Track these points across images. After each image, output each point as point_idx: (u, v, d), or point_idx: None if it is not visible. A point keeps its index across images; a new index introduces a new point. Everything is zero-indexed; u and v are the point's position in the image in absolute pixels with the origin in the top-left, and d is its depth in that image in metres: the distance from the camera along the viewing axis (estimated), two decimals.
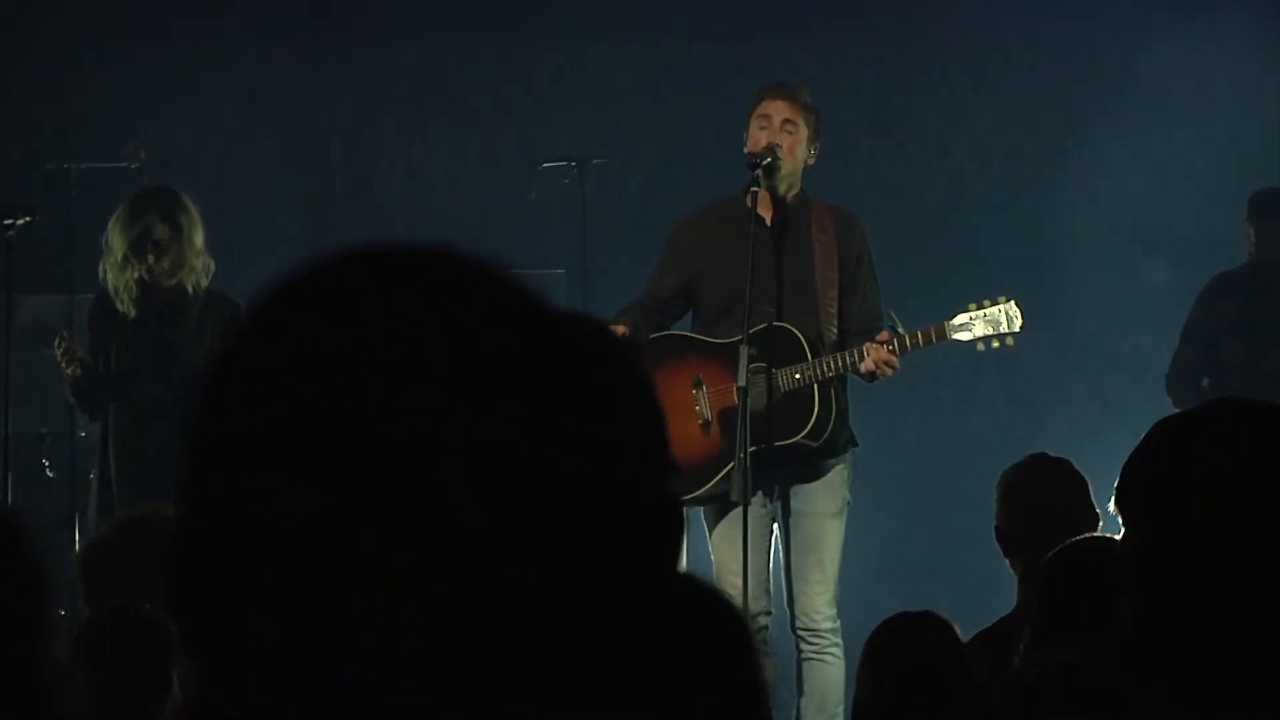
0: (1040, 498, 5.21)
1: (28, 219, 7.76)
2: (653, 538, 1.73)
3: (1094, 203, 9.95)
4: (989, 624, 5.08)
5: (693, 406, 7.00)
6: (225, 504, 1.32)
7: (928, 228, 10.08)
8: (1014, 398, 10.05)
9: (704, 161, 9.37)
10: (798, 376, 6.83)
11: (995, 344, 6.94)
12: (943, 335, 6.90)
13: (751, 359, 6.73)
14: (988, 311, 6.90)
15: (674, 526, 1.80)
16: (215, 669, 1.34)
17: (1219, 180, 9.86)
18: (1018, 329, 6.92)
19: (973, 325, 6.90)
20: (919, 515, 9.57)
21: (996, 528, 5.31)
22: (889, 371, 6.80)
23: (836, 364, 6.82)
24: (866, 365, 6.78)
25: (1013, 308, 6.93)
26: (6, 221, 7.72)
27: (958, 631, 4.39)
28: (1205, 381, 8.46)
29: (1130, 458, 2.59)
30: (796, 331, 6.88)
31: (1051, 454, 5.40)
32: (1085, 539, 3.96)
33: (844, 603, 6.99)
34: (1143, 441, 2.56)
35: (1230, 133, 9.96)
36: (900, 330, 6.83)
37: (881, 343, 6.77)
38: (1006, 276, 9.73)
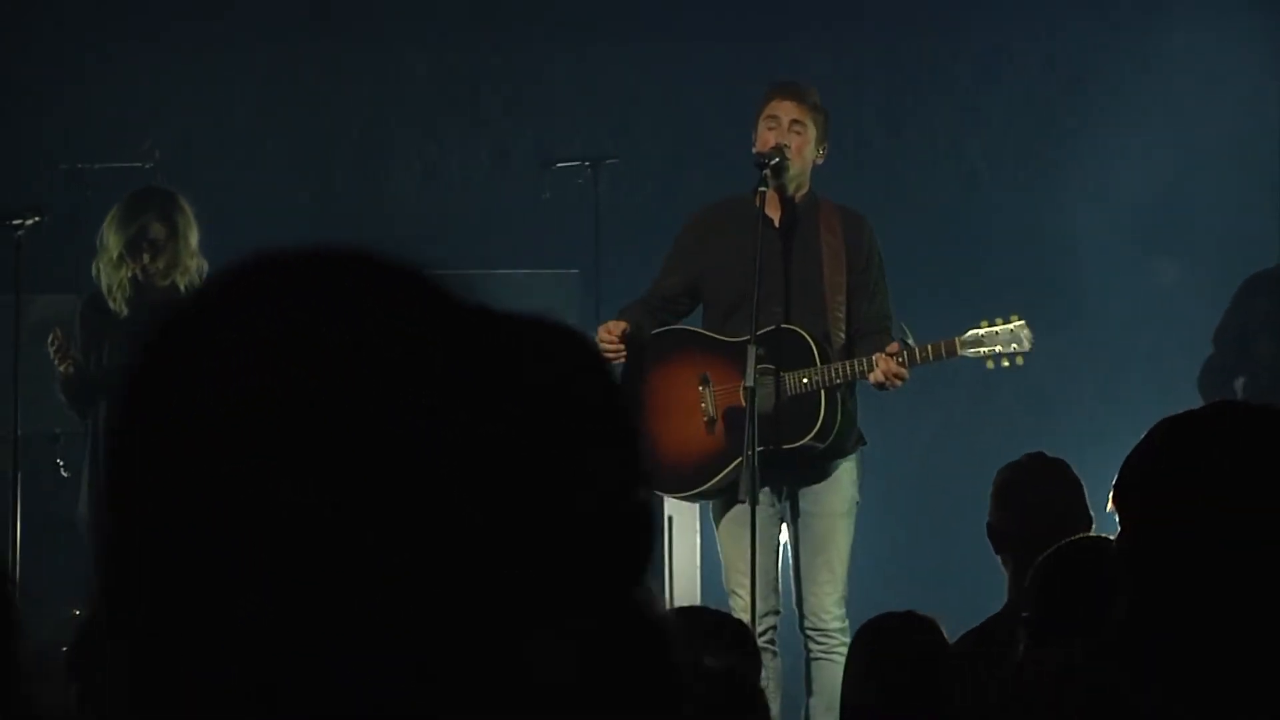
0: (1035, 497, 5.22)
1: (36, 219, 7.78)
2: (624, 541, 1.73)
3: (1105, 202, 9.93)
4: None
5: (698, 403, 6.99)
6: (209, 499, 1.32)
7: (939, 227, 10.07)
8: (1026, 399, 10.03)
9: (717, 162, 9.36)
10: (805, 381, 6.83)
11: (1005, 363, 6.94)
12: (953, 351, 6.89)
13: (759, 359, 6.73)
14: (999, 329, 6.91)
15: (645, 529, 1.80)
16: (198, 667, 1.33)
17: (1230, 179, 9.85)
18: (1028, 349, 6.92)
19: (983, 342, 6.90)
20: (931, 517, 9.56)
21: (989, 524, 5.33)
22: (898, 383, 6.81)
23: (845, 371, 6.82)
24: (875, 376, 6.78)
25: (1024, 328, 6.93)
26: (15, 222, 7.74)
27: (943, 630, 4.40)
28: (1239, 382, 8.42)
29: (1130, 456, 2.59)
30: (805, 334, 6.87)
31: (1049, 454, 5.41)
32: (1082, 538, 3.96)
33: (854, 605, 6.97)
34: (1143, 441, 2.56)
35: (1241, 131, 9.94)
36: (911, 342, 6.83)
37: (891, 354, 6.76)
38: (1018, 276, 9.73)
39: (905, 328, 6.89)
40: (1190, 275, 9.66)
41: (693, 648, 3.72)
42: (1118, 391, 9.97)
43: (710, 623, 4.29)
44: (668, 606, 5.51)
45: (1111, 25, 10.07)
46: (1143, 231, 9.85)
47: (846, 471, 6.98)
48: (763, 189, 6.91)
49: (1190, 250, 9.83)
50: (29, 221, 7.75)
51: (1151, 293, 9.84)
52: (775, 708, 7.08)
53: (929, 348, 6.84)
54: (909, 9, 10.14)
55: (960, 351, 6.88)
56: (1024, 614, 3.96)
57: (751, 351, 6.71)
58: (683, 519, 8.35)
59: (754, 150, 7.01)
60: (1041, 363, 9.17)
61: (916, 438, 9.92)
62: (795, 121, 6.99)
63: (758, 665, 4.50)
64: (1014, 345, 6.89)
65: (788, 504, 6.97)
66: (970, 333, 6.90)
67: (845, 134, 8.87)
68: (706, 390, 7.00)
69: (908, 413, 9.42)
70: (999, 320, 6.94)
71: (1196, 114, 9.99)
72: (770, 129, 6.99)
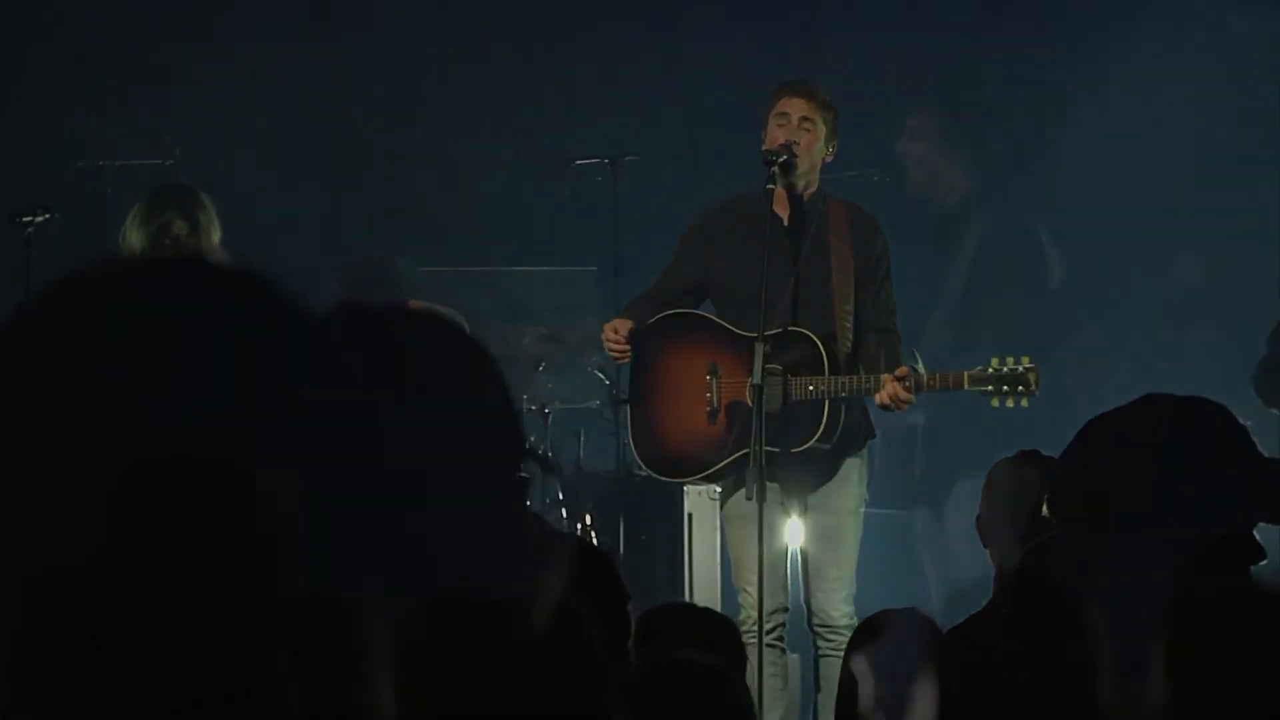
0: (1022, 493, 5.22)
1: (46, 216, 7.81)
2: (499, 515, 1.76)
3: (1129, 202, 9.90)
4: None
5: (704, 392, 7.01)
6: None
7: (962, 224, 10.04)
8: (1049, 397, 9.99)
9: (736, 160, 9.36)
10: (811, 389, 6.84)
11: (1010, 403, 6.94)
12: (960, 384, 6.90)
13: (766, 357, 6.74)
14: (1007, 369, 6.90)
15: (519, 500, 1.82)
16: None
17: (1258, 177, 9.80)
18: (1034, 391, 6.92)
19: (991, 379, 6.90)
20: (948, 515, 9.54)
21: (977, 517, 5.36)
22: (903, 407, 6.84)
23: (851, 386, 6.84)
24: (881, 398, 6.79)
25: (1032, 370, 6.92)
26: (25, 219, 7.77)
27: (939, 629, 4.40)
28: None
29: (1059, 459, 2.60)
30: (815, 338, 6.88)
31: (1044, 453, 5.41)
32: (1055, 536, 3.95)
33: (865, 605, 6.97)
34: (1071, 442, 2.57)
35: (1269, 128, 9.90)
36: (919, 369, 6.84)
37: (899, 378, 6.77)
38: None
39: (915, 353, 6.92)
40: (1215, 275, 9.62)
41: (676, 643, 3.73)
42: (1141, 391, 9.91)
43: (695, 618, 4.30)
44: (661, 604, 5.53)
45: (1135, 20, 10.03)
46: (1167, 231, 9.82)
47: (854, 469, 6.99)
48: (771, 187, 6.93)
49: (1216, 250, 9.79)
50: (39, 218, 7.77)
51: (1177, 292, 9.81)
52: (784, 705, 7.11)
53: (936, 378, 6.86)
54: (930, 7, 10.12)
55: (967, 386, 6.89)
56: (1003, 611, 3.96)
57: (759, 349, 6.72)
58: (702, 516, 8.36)
59: (763, 148, 7.03)
60: (1065, 361, 9.16)
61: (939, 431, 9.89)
62: (805, 119, 7.00)
63: (743, 661, 4.50)
64: (1020, 386, 6.89)
65: (795, 502, 6.98)
66: (979, 369, 6.91)
67: (865, 132, 8.85)
68: (714, 380, 7.02)
69: (928, 405, 9.40)
70: (1010, 360, 6.93)
71: (1226, 110, 9.96)
72: (780, 126, 7.01)
